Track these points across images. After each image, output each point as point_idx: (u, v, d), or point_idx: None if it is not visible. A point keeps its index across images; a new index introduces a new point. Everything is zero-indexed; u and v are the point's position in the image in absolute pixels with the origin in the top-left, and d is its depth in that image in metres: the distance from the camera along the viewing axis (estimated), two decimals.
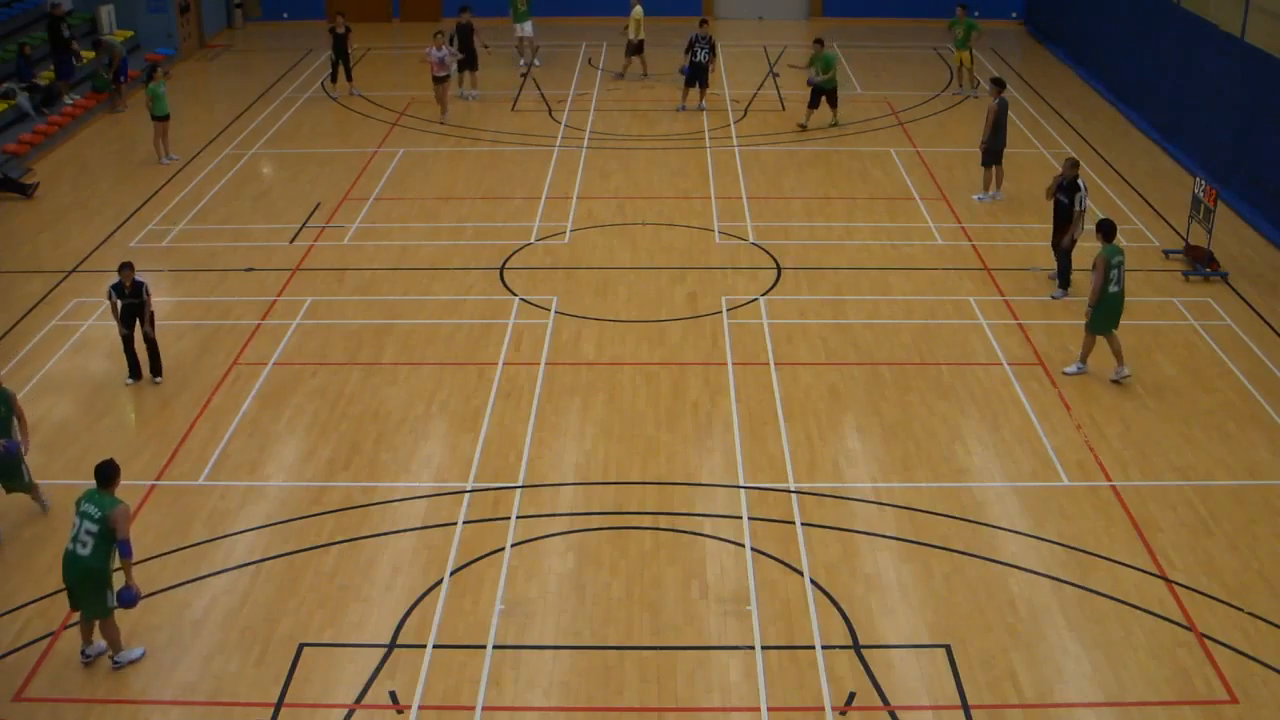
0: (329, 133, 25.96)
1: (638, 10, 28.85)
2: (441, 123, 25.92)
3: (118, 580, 10.76)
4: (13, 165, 23.10)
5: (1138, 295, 17.76)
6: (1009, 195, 21.66)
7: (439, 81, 26.16)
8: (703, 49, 26.28)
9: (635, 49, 29.28)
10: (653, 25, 30.25)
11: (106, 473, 10.84)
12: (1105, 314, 15.36)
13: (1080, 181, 17.64)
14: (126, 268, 15.36)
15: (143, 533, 12.64)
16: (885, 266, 18.88)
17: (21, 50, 26.27)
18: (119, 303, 15.32)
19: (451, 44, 26.47)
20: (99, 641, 10.91)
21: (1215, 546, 12.43)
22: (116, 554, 10.65)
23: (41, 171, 23.38)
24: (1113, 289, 15.20)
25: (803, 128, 25.43)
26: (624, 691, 10.59)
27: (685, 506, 13.13)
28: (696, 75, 26.60)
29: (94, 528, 10.56)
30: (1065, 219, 17.62)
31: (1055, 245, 17.87)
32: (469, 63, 27.66)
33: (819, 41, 25.48)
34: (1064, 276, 17.85)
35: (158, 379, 15.50)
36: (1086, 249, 17.45)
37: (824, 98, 25.27)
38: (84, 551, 10.55)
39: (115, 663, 10.86)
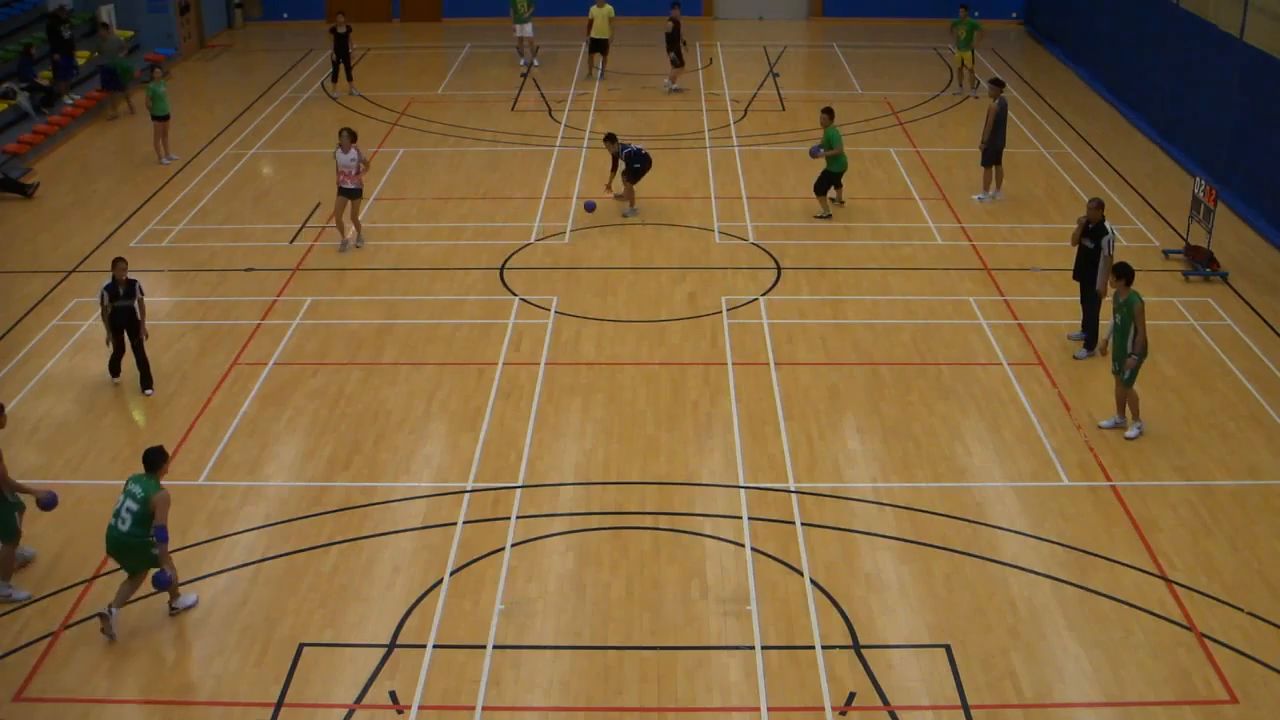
0: (329, 133, 25.84)
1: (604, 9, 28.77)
2: (344, 247, 19.40)
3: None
4: (13, 165, 23.10)
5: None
6: (1009, 195, 21.65)
7: (348, 196, 19.19)
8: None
9: (596, 46, 29.36)
10: (652, 24, 30.23)
11: (153, 458, 11.26)
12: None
13: (1109, 225, 15.89)
14: (120, 263, 15.06)
15: None
16: (885, 266, 18.88)
17: (26, 50, 26.27)
18: (110, 305, 15.00)
19: (355, 140, 19.19)
20: (114, 606, 11.11)
21: (1215, 546, 12.43)
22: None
23: (41, 171, 23.37)
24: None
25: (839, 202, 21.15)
26: (624, 691, 10.59)
27: (685, 506, 13.13)
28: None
29: (135, 507, 11.04)
30: (1092, 266, 15.77)
31: (1085, 299, 16.01)
32: (677, 60, 28.34)
33: (828, 111, 20.63)
34: (1092, 334, 15.96)
35: (148, 391, 15.31)
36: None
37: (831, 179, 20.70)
38: (123, 528, 11.07)
39: (172, 609, 11.46)
